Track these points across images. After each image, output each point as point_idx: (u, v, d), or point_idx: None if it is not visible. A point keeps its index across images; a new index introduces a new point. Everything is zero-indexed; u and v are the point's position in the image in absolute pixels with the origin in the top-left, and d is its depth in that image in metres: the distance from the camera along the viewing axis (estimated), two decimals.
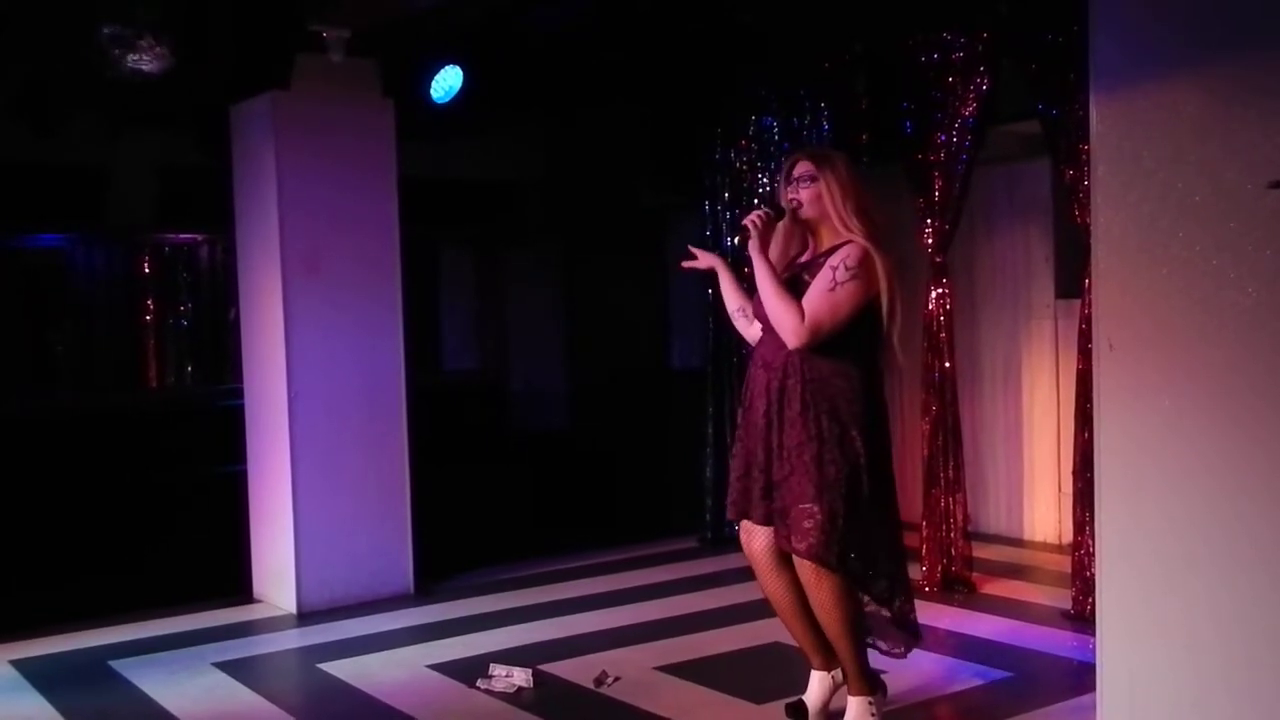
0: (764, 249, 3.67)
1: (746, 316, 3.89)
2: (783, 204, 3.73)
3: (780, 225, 3.74)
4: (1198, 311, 2.71)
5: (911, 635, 3.84)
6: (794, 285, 3.65)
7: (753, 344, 3.88)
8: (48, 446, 7.75)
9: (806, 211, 3.71)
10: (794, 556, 3.63)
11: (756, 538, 3.75)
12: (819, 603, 3.65)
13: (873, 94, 5.83)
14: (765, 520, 3.68)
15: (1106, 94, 2.87)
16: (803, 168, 3.72)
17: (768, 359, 3.71)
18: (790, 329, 3.56)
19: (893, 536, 3.75)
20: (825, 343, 3.58)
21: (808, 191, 3.69)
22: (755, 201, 6.24)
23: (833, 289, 3.54)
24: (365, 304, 5.75)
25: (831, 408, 3.57)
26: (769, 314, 3.64)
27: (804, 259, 3.76)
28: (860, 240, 3.60)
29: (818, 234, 3.75)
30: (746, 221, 3.70)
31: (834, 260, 3.58)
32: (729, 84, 6.52)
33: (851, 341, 3.60)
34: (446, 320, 10.76)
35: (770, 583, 3.79)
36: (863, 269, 3.55)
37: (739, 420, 3.87)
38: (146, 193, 8.69)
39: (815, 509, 3.55)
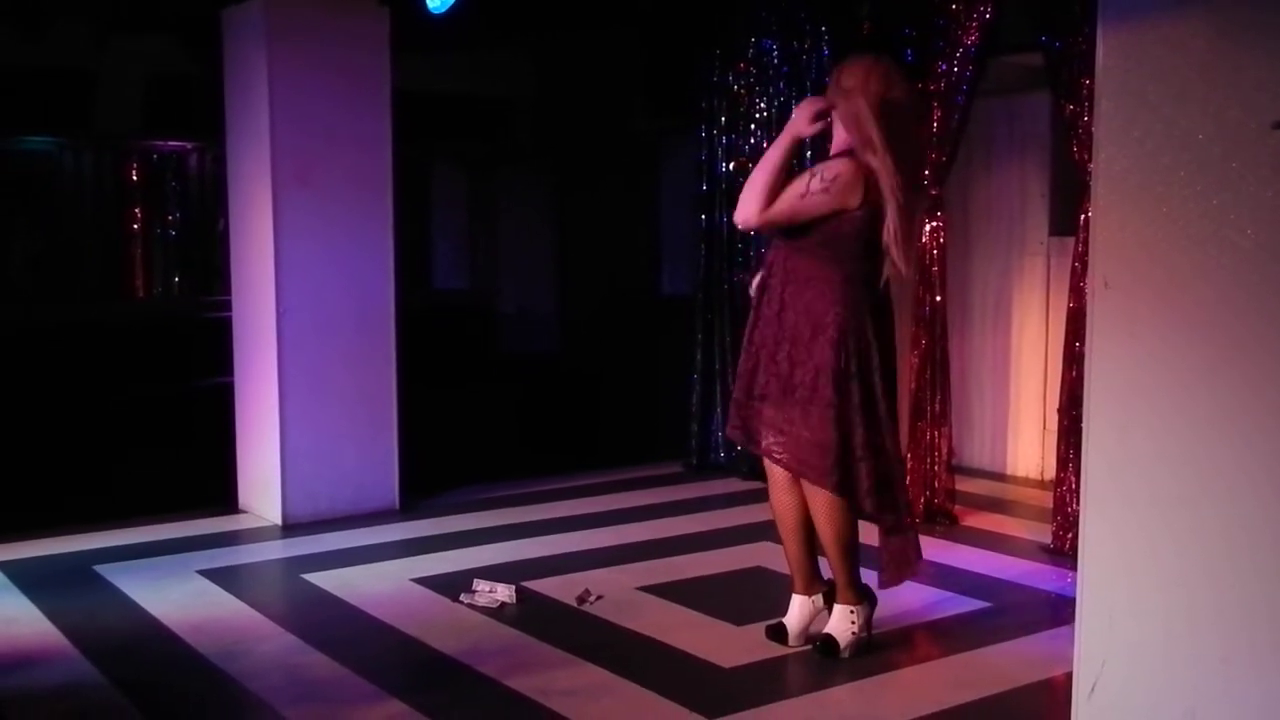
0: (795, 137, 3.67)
1: (760, 194, 3.65)
2: None
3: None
4: (1195, 251, 2.69)
5: (908, 548, 3.83)
6: None
7: (742, 221, 3.71)
8: (33, 355, 7.71)
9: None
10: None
11: None
12: (814, 512, 3.70)
13: (875, 19, 5.75)
14: (745, 424, 3.72)
15: (1114, 27, 2.82)
16: (832, 86, 3.69)
17: (768, 259, 3.78)
18: (750, 208, 3.58)
19: (878, 448, 3.66)
20: (808, 241, 3.61)
21: (837, 111, 3.66)
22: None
23: (803, 196, 3.57)
24: (357, 219, 5.69)
25: (806, 307, 3.59)
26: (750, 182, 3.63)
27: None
28: (859, 158, 3.58)
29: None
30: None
31: (817, 168, 3.63)
32: (728, 5, 6.41)
33: (835, 244, 3.59)
34: (437, 239, 10.68)
35: (780, 497, 3.81)
36: (838, 184, 3.54)
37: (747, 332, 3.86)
38: (135, 99, 8.56)
39: (776, 413, 3.62)
